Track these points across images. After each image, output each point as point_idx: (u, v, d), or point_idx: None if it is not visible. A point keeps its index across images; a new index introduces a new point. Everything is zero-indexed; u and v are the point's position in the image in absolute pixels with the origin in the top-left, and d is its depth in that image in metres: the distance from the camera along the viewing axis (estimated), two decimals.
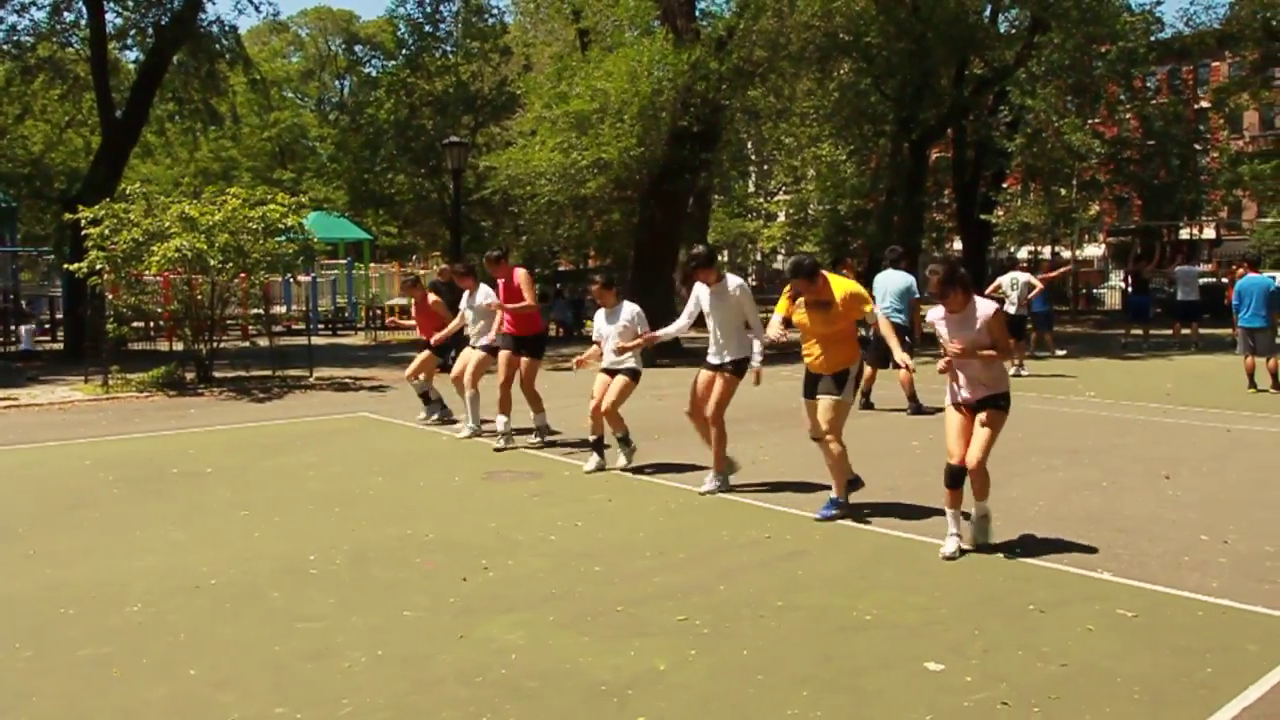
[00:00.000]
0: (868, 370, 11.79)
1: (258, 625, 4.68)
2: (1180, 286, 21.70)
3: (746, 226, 49.71)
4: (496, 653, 4.30)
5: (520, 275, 9.48)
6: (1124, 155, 42.60)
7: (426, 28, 32.64)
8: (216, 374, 15.31)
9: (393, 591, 5.15)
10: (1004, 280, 16.69)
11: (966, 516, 5.73)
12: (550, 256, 43.15)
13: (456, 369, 10.23)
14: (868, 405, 11.63)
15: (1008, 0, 28.37)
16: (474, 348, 10.05)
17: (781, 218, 48.15)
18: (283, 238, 15.27)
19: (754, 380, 7.28)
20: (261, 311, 18.94)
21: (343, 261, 31.64)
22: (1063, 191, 39.60)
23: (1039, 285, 16.81)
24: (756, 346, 7.23)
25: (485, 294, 9.88)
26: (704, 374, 7.40)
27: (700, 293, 7.36)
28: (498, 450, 9.24)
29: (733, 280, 7.27)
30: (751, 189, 46.05)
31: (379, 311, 29.80)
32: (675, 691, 3.90)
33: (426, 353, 11.15)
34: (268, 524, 6.64)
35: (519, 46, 32.99)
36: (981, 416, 5.59)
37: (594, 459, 8.26)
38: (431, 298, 11.65)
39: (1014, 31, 29.73)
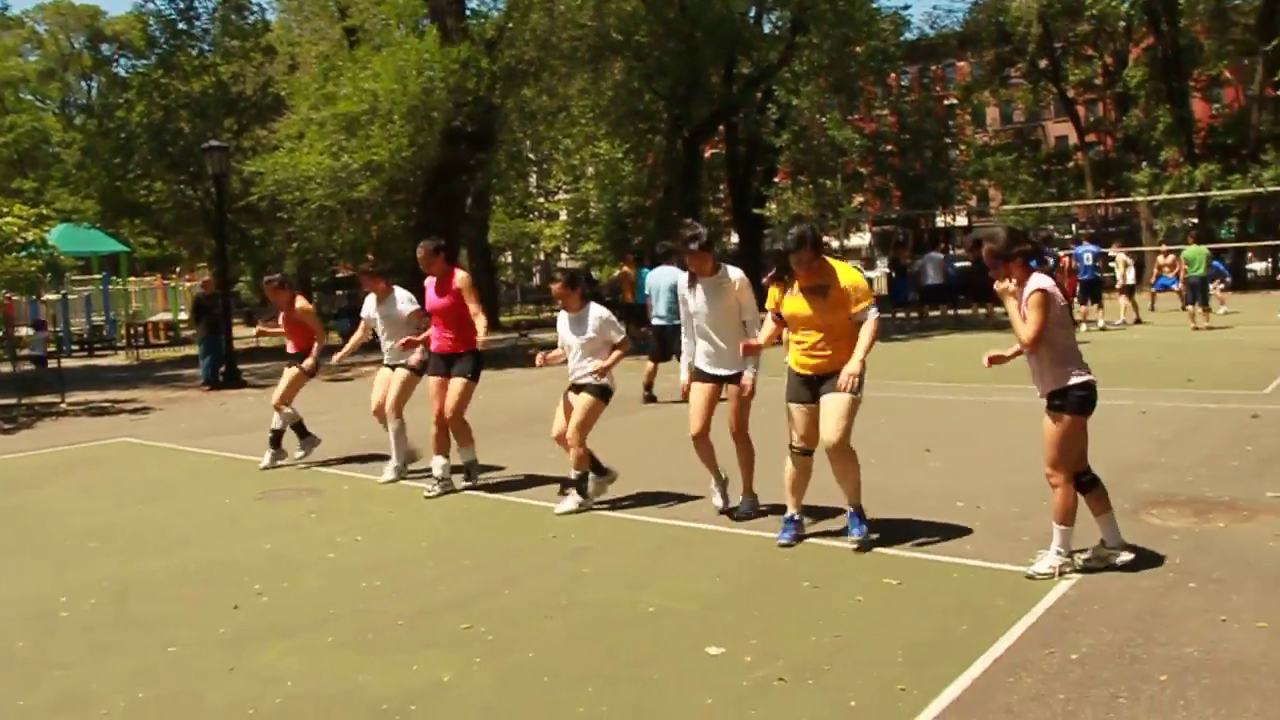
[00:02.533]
0: (649, 364, 12.02)
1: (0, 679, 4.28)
2: (928, 272, 23.23)
3: (528, 227, 49.63)
4: (270, 681, 4.10)
5: (462, 278, 7.62)
6: (883, 149, 45.22)
7: (180, 25, 30.74)
8: None
9: (156, 628, 4.82)
10: (924, 260, 17.31)
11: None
12: (327, 263, 41.69)
13: (376, 397, 8.22)
14: (650, 399, 11.82)
15: (770, 2, 29.52)
16: (392, 367, 8.17)
17: (563, 217, 48.39)
18: (23, 253, 14.05)
19: (746, 395, 6.16)
20: (2, 334, 17.38)
21: (97, 276, 29.46)
22: (829, 184, 41.58)
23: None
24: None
25: (405, 300, 8.17)
26: (703, 387, 6.24)
27: (683, 284, 6.27)
28: (429, 497, 7.41)
29: (733, 271, 6.21)
30: (532, 189, 46.00)
31: (142, 328, 27.94)
32: (460, 702, 3.83)
33: (295, 371, 9.15)
34: (11, 567, 6.08)
35: (283, 46, 31.64)
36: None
37: (569, 499, 6.77)
38: (301, 303, 9.42)
39: (777, 32, 31.00)
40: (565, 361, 6.84)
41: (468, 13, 21.31)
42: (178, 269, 39.77)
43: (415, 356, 7.89)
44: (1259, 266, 39.37)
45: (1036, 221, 42.90)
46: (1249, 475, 6.78)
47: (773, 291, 5.72)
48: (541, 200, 47.92)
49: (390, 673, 4.12)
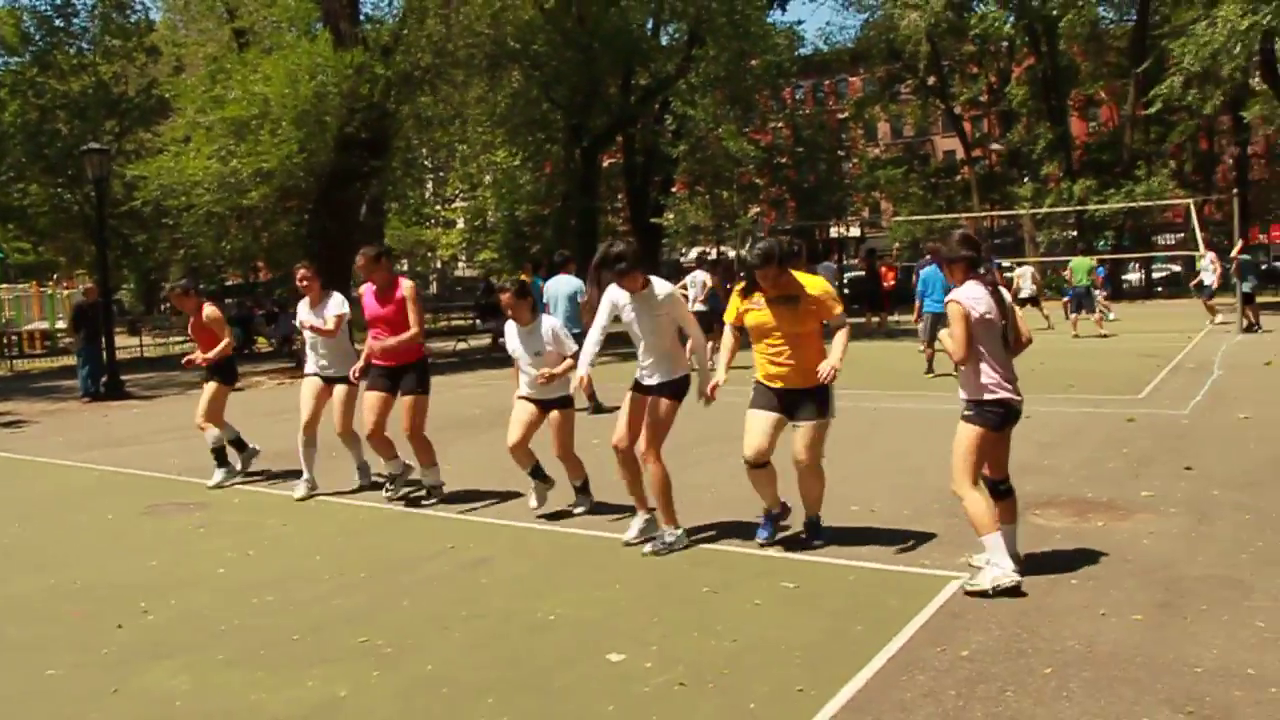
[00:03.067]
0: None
1: None
2: None
3: (424, 235, 49.07)
4: (157, 702, 3.96)
5: (408, 287, 7.24)
6: (778, 161, 46.04)
7: (57, 21, 29.59)
8: None
9: (32, 651, 4.60)
10: (686, 280, 17.51)
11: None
12: (216, 271, 40.54)
13: (308, 411, 7.66)
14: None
15: (667, 14, 29.81)
16: (321, 377, 7.68)
17: (460, 225, 47.96)
18: None
19: (707, 399, 5.81)
20: None
21: None
22: (725, 195, 42.12)
23: (712, 283, 17.74)
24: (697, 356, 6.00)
25: (337, 304, 7.66)
26: (637, 398, 5.93)
27: (617, 298, 5.92)
28: (390, 498, 7.33)
29: (661, 286, 5.89)
30: (428, 196, 45.49)
31: (14, 337, 26.73)
32: (357, 717, 3.76)
33: (214, 385, 8.40)
34: None
35: (168, 46, 30.67)
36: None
37: (535, 494, 6.77)
38: (209, 310, 8.56)
39: (674, 44, 31.30)
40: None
41: (362, 17, 21.01)
42: (55, 276, 38.17)
43: (356, 366, 7.37)
44: (1133, 277, 41.24)
45: (926, 233, 44.19)
46: (1125, 476, 7.09)
47: (734, 302, 5.64)
48: (438, 208, 47.44)
49: (284, 690, 4.02)
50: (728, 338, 5.76)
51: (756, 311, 5.51)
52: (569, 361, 6.39)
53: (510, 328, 6.66)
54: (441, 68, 20.64)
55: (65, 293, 29.75)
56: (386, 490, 7.41)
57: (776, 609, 4.71)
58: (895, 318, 23.49)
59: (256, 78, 17.77)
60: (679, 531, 5.78)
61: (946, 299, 4.87)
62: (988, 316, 4.80)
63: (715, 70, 31.15)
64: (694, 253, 48.91)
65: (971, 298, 4.81)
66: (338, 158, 18.45)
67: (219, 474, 8.30)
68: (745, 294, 5.60)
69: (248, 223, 21.58)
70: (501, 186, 35.53)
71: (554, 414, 6.54)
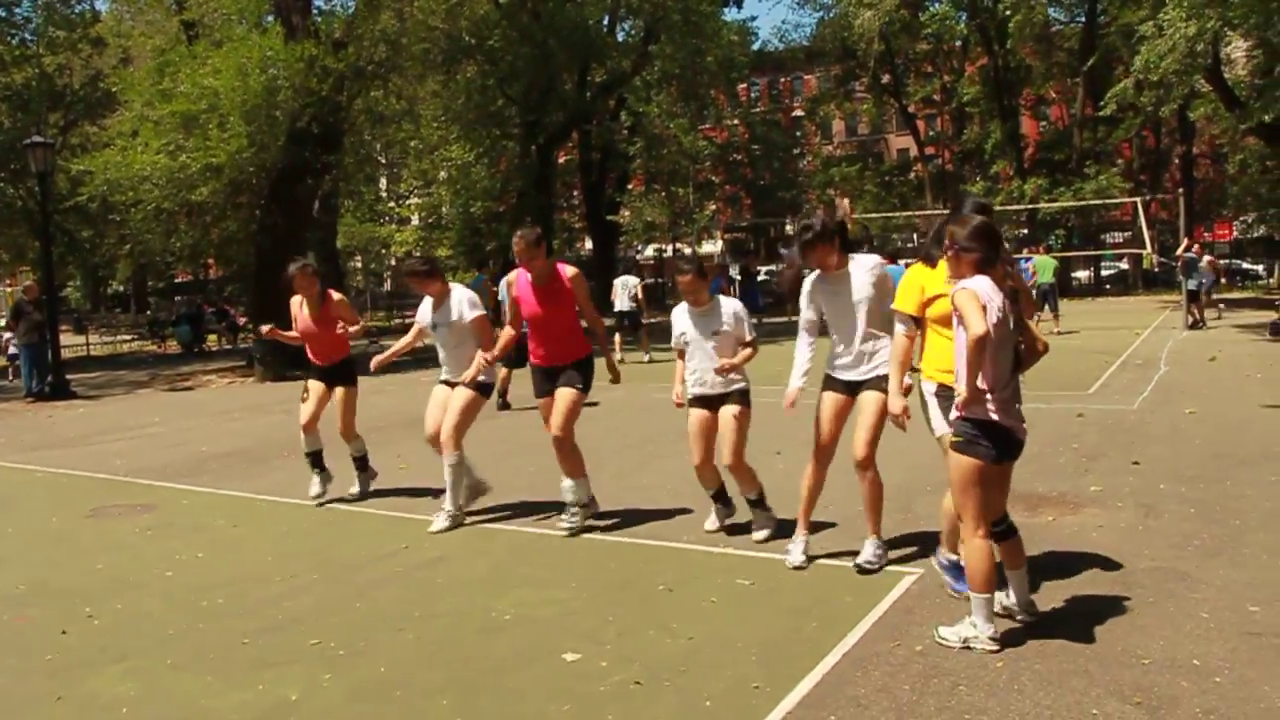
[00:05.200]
0: (503, 370, 11.92)
1: None
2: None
3: (378, 231, 48.59)
4: (104, 709, 3.88)
5: (572, 274, 6.21)
6: (733, 158, 46.20)
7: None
8: None
9: None
10: (616, 283, 17.56)
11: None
12: (165, 268, 39.90)
13: (431, 423, 6.55)
14: (504, 406, 11.73)
15: (623, 11, 29.79)
16: (451, 384, 6.57)
17: (415, 221, 47.57)
18: None
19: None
20: None
21: None
22: (681, 192, 42.18)
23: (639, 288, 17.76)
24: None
25: (465, 301, 6.52)
26: (835, 398, 5.30)
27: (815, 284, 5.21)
28: (573, 529, 6.15)
29: (868, 259, 5.16)
30: (382, 192, 45.06)
31: None
32: None
33: (343, 390, 7.37)
34: None
35: (114, 38, 30.07)
36: None
37: (716, 515, 6.06)
38: (336, 295, 7.47)
39: (630, 41, 31.29)
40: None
41: (315, 10, 20.73)
42: None
43: (470, 374, 6.36)
44: (1082, 275, 41.90)
45: (880, 230, 44.55)
46: (1075, 471, 7.19)
47: (919, 286, 4.56)
48: (392, 205, 47.01)
49: (234, 694, 3.96)
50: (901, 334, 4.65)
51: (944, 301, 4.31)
52: (749, 350, 5.74)
53: (681, 312, 5.85)
54: (395, 62, 20.45)
55: (8, 290, 29.13)
56: (569, 519, 6.20)
57: (732, 606, 4.71)
58: None
59: (206, 71, 17.48)
60: (882, 545, 5.24)
61: (956, 286, 4.02)
62: (997, 317, 3.93)
63: (670, 67, 31.21)
64: (649, 249, 49.05)
65: (987, 291, 3.95)
66: (289, 153, 18.20)
67: (360, 481, 7.49)
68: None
69: (197, 219, 21.23)
70: (456, 183, 35.29)
71: (728, 411, 5.70)
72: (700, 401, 5.78)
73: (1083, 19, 37.53)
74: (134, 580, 5.58)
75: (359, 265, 53.12)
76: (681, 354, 5.86)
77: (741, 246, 55.05)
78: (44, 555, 6.27)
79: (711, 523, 6.02)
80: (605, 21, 30.46)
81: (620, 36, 31.89)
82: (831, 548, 5.54)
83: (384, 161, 33.87)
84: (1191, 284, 19.68)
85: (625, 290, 17.12)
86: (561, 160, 35.16)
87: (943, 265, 4.29)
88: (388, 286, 56.77)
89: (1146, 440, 8.24)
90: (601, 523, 6.31)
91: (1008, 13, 33.71)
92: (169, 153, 17.59)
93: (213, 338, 29.54)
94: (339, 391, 7.36)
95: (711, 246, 54.66)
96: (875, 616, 4.44)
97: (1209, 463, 7.27)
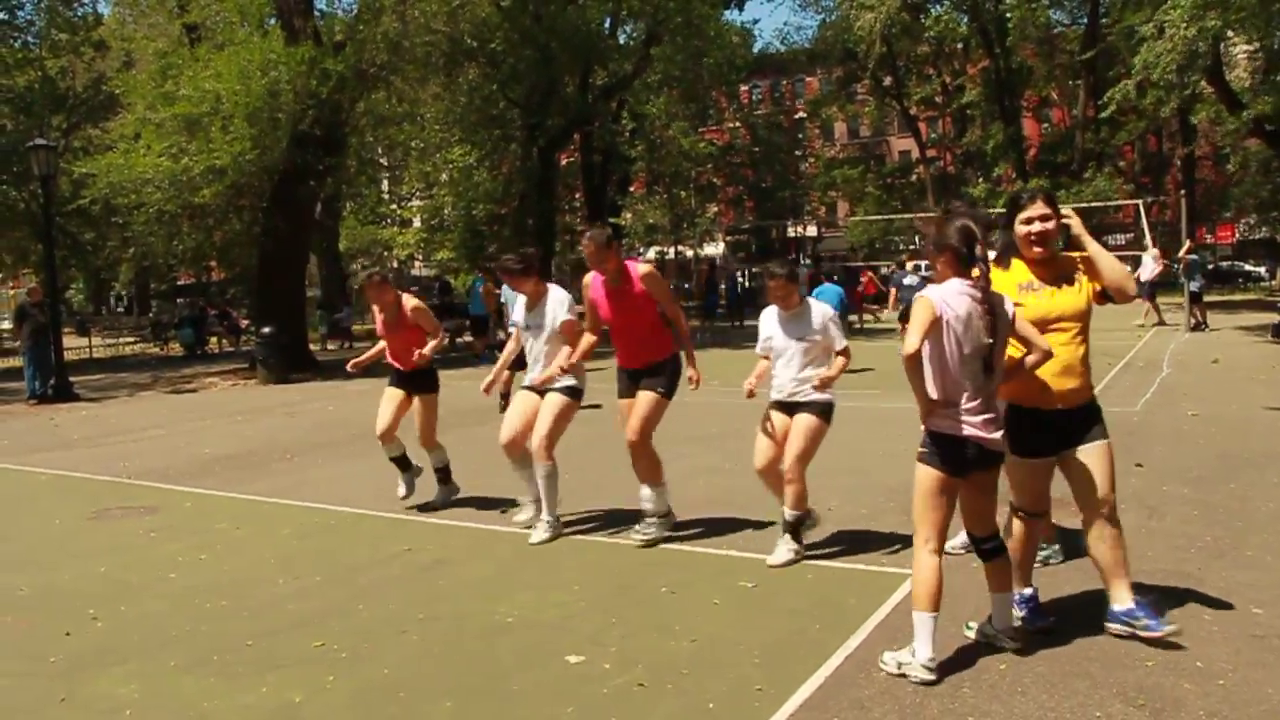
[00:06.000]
0: (506, 373, 11.89)
1: None
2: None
3: (380, 234, 48.64)
4: (108, 712, 3.88)
5: (644, 272, 5.96)
6: (735, 160, 46.23)
7: (1, 14, 28.97)
8: None
9: None
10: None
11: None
12: (167, 270, 39.93)
13: (508, 430, 6.35)
14: (506, 408, 11.70)
15: (625, 13, 29.79)
16: (538, 389, 6.28)
17: (416, 223, 47.61)
18: None
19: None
20: None
21: None
22: (683, 194, 42.19)
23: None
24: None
25: (561, 303, 6.20)
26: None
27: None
28: (648, 540, 5.93)
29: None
30: (384, 195, 45.08)
31: None
32: None
33: (421, 399, 7.01)
34: None
35: (117, 41, 30.11)
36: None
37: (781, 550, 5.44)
38: (412, 301, 7.03)
39: (632, 43, 31.29)
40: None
41: (316, 13, 20.75)
42: (0, 275, 37.40)
43: (548, 374, 6.12)
44: None
45: (882, 233, 44.56)
46: None
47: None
48: (394, 207, 47.05)
49: (238, 696, 3.96)
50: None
51: (1036, 297, 4.14)
52: (843, 360, 5.47)
53: (770, 316, 5.58)
54: (397, 65, 20.46)
55: (11, 292, 29.18)
56: (644, 529, 5.99)
57: (735, 608, 4.71)
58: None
59: (208, 74, 17.50)
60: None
61: (918, 294, 3.99)
62: (959, 325, 3.81)
63: (671, 69, 31.21)
64: (651, 252, 49.07)
65: (946, 297, 3.85)
66: (291, 155, 18.22)
67: (440, 493, 7.14)
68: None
69: (199, 221, 21.26)
70: (458, 185, 35.29)
71: (802, 419, 5.42)
72: (778, 407, 5.51)
73: (1085, 21, 37.55)
74: (137, 582, 5.59)
75: (360, 268, 53.17)
76: (766, 357, 5.60)
77: (744, 248, 55.07)
78: (47, 557, 6.27)
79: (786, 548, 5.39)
80: (607, 24, 30.46)
81: (622, 39, 31.88)
82: (835, 552, 5.53)
83: (386, 164, 33.93)
84: (1194, 286, 19.67)
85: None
86: (563, 163, 35.17)
87: (1008, 273, 4.15)
88: None
89: (1150, 442, 8.24)
90: (603, 525, 6.31)
91: (1009, 15, 33.74)
92: (171, 155, 17.62)
93: (215, 340, 29.56)
94: (419, 399, 6.97)
95: (713, 248, 54.76)
96: (879, 619, 4.44)
97: (1212, 464, 7.27)
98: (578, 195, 38.18)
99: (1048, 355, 3.99)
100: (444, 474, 7.14)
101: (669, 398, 5.91)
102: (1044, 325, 4.02)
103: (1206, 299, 20.97)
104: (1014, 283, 4.12)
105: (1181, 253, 20.27)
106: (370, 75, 19.84)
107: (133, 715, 3.84)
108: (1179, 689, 3.61)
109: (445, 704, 3.80)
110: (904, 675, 3.79)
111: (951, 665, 3.88)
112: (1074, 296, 4.11)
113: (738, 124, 46.92)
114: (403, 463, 7.04)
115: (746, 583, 5.06)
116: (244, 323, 29.66)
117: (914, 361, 3.81)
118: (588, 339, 6.09)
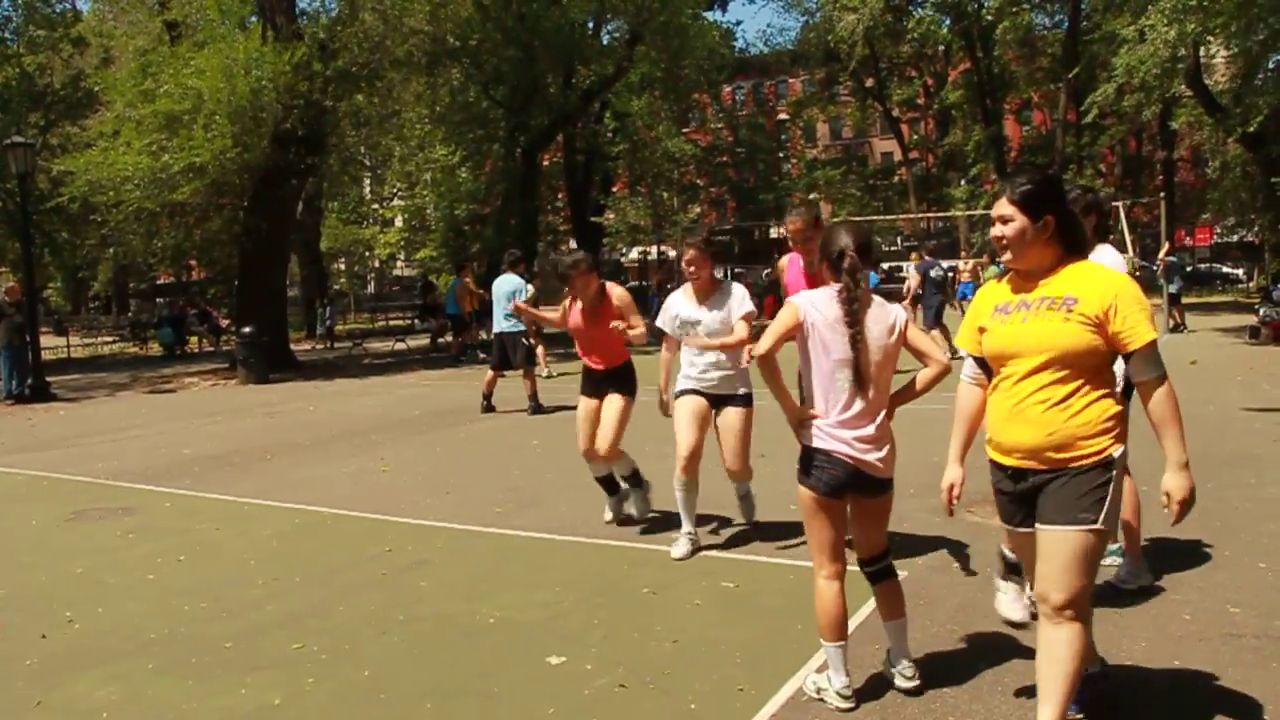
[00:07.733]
0: (489, 374, 11.91)
1: None
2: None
3: (362, 233, 48.47)
4: (84, 714, 3.85)
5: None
6: (718, 161, 46.30)
7: None
8: None
9: None
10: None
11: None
12: (147, 269, 39.68)
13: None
14: (489, 409, 11.71)
15: (608, 13, 29.80)
16: (708, 396, 5.79)
17: (399, 223, 47.48)
18: None
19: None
20: None
21: None
22: (665, 194, 42.19)
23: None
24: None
25: (743, 298, 5.70)
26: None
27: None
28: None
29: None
30: (366, 194, 44.91)
31: None
32: None
33: (619, 399, 6.19)
34: None
35: (96, 38, 29.88)
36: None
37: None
38: (618, 290, 6.16)
39: (615, 43, 31.31)
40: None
41: (299, 12, 20.66)
42: None
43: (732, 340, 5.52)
44: None
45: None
46: None
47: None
48: (376, 206, 46.90)
49: (217, 698, 3.93)
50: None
51: (1003, 323, 3.19)
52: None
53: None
54: (379, 64, 20.39)
55: None
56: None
57: (717, 609, 4.71)
58: None
59: (189, 71, 17.38)
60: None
61: (787, 299, 3.76)
62: (827, 331, 3.53)
63: (653, 70, 31.23)
64: (634, 252, 49.08)
65: (816, 301, 3.59)
66: (273, 154, 18.12)
67: (631, 503, 6.51)
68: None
69: (179, 220, 21.11)
70: (440, 185, 35.22)
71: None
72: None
73: (1066, 24, 37.78)
74: (115, 584, 5.54)
75: (342, 267, 52.99)
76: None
77: (725, 249, 55.13)
78: (22, 559, 6.21)
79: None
80: (590, 24, 30.46)
81: (605, 39, 31.89)
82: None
83: (368, 164, 33.84)
84: (1172, 287, 19.81)
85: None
86: (546, 162, 35.16)
87: (988, 293, 3.33)
88: (371, 288, 56.60)
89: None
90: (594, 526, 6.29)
91: (990, 18, 33.90)
92: (151, 153, 17.47)
93: (195, 340, 29.37)
94: (612, 399, 6.16)
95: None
96: (860, 618, 4.43)
97: (1192, 465, 7.30)
98: (560, 195, 38.16)
99: (944, 370, 3.68)
100: (634, 479, 6.44)
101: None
102: (999, 361, 3.18)
103: (1185, 300, 21.12)
104: (991, 304, 3.25)
105: (1161, 254, 20.42)
106: (353, 74, 19.77)
107: (110, 718, 3.81)
108: (1156, 688, 3.63)
109: (425, 705, 3.79)
110: (822, 700, 3.63)
111: (932, 665, 3.89)
112: (1055, 325, 3.04)
113: (720, 125, 46.98)
114: (634, 479, 6.43)
115: (728, 583, 5.06)
116: (224, 322, 29.49)
117: (765, 364, 3.71)
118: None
